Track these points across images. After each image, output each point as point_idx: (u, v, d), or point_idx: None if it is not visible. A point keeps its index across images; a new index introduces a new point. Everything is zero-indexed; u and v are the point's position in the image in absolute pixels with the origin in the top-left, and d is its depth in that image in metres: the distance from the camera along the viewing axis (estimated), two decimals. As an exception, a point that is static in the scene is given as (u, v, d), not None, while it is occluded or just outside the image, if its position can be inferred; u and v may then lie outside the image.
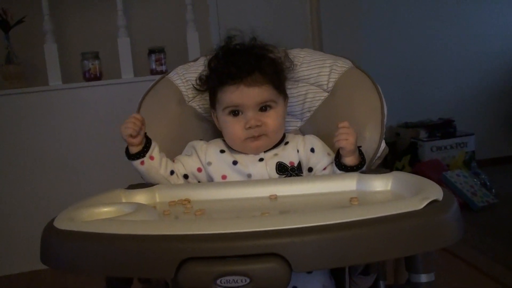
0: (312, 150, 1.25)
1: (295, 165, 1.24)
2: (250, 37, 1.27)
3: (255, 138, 1.22)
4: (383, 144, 1.27)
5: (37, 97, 2.86)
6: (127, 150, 1.21)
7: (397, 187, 1.05)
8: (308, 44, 3.52)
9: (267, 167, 1.22)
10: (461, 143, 3.90)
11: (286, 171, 1.23)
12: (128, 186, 1.17)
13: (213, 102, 1.28)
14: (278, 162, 1.23)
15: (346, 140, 1.14)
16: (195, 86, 1.34)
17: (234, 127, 1.23)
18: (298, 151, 1.25)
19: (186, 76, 1.36)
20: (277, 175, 1.22)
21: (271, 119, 1.23)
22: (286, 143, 1.27)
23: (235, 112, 1.23)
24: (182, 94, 1.35)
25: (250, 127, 1.21)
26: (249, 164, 1.22)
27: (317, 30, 3.64)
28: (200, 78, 1.31)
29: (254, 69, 1.21)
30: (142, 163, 1.20)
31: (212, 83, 1.26)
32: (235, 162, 1.23)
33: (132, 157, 1.20)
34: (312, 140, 1.27)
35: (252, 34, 1.27)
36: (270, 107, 1.23)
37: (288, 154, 1.24)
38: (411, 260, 1.06)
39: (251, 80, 1.20)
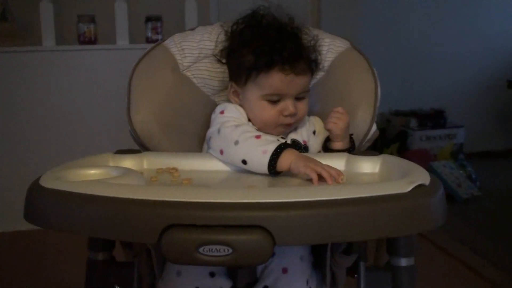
0: (314, 132, 1.27)
1: (307, 143, 1.25)
2: (285, 14, 1.21)
3: (288, 125, 1.20)
4: (374, 127, 1.27)
5: (30, 56, 2.83)
6: (274, 164, 1.04)
7: (385, 170, 1.06)
8: (306, 22, 3.49)
9: None
10: (450, 135, 3.92)
11: (300, 148, 1.22)
12: (116, 151, 1.16)
13: (241, 78, 1.19)
14: (292, 139, 1.23)
15: (335, 123, 1.15)
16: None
17: (270, 112, 1.17)
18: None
19: (182, 45, 1.34)
20: None
21: (303, 108, 1.20)
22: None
23: (274, 99, 1.17)
24: (177, 62, 1.33)
25: (289, 115, 1.17)
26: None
27: (316, 10, 3.62)
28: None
29: (302, 57, 1.16)
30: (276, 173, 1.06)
31: (253, 62, 1.15)
32: (258, 136, 1.14)
33: (272, 174, 1.05)
34: (315, 123, 1.28)
35: (285, 12, 1.21)
36: (304, 96, 1.21)
37: (302, 133, 1.25)
38: (393, 243, 1.07)
39: (299, 68, 1.15)
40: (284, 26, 1.20)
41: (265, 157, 1.04)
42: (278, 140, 1.13)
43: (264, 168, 1.04)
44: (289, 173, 1.04)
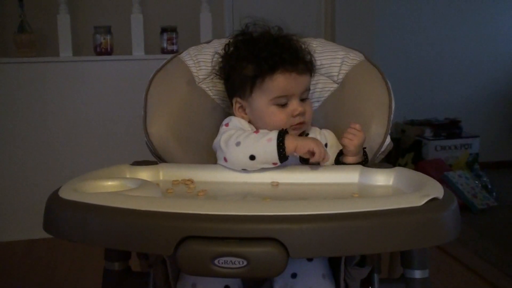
0: (326, 145, 1.26)
1: None
2: (272, 27, 1.26)
3: (299, 125, 1.23)
4: (388, 139, 1.28)
5: (47, 67, 2.87)
6: (282, 147, 1.09)
7: (399, 183, 1.06)
8: (320, 34, 3.50)
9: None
10: (465, 144, 3.89)
11: (308, 162, 1.23)
12: (132, 162, 1.18)
13: (246, 90, 1.23)
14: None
15: (350, 140, 1.17)
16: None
17: (280, 116, 1.21)
18: None
19: (198, 57, 1.36)
20: (299, 163, 1.22)
21: (309, 108, 1.25)
22: (307, 134, 1.27)
23: (282, 103, 1.21)
24: (192, 75, 1.35)
25: (298, 114, 1.21)
26: None
27: (330, 21, 3.62)
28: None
29: (299, 58, 1.22)
30: (275, 164, 1.11)
31: (256, 70, 1.20)
32: (256, 132, 1.18)
33: (282, 158, 1.10)
34: (328, 136, 1.29)
35: (271, 24, 1.26)
36: (307, 97, 1.26)
37: None
38: (407, 255, 1.07)
39: (300, 68, 1.21)
40: (276, 35, 1.25)
41: (272, 144, 1.09)
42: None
43: (273, 155, 1.09)
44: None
